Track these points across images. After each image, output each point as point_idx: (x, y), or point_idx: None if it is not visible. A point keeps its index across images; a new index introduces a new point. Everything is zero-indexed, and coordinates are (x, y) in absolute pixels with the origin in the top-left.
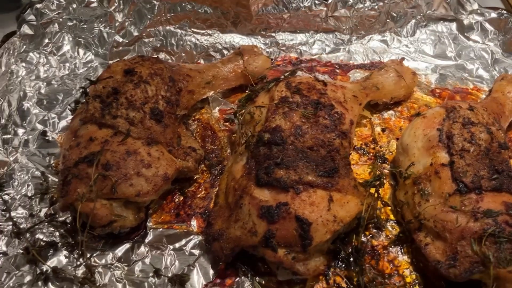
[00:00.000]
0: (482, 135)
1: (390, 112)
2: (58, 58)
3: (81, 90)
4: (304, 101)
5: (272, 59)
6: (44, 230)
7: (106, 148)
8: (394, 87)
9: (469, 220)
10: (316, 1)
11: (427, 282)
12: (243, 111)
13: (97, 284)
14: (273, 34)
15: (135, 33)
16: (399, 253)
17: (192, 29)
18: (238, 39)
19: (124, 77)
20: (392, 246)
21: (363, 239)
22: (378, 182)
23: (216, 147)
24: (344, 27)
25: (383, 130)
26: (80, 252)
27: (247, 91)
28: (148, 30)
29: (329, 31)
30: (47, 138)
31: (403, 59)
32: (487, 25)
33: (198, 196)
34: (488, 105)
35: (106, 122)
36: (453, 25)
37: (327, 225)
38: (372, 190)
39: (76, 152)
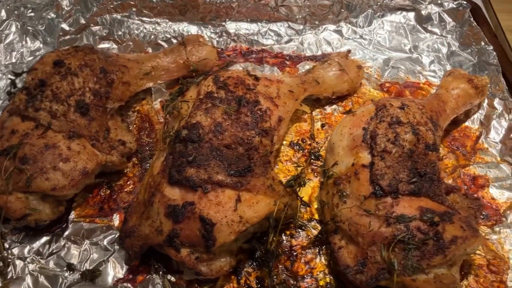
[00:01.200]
0: (407, 136)
1: (334, 106)
2: (5, 46)
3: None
4: (228, 96)
5: (222, 49)
6: None
7: (26, 142)
8: (336, 82)
9: (382, 225)
10: None
11: (341, 287)
12: (171, 104)
13: (8, 277)
14: (223, 23)
15: (82, 21)
16: (318, 254)
17: (140, 17)
18: (188, 28)
19: (52, 69)
20: (311, 247)
21: (284, 238)
22: (296, 182)
23: (151, 140)
24: (297, 17)
25: (322, 125)
26: None
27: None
28: (95, 18)
29: (281, 20)
30: None
31: (349, 51)
32: (446, 16)
33: (125, 190)
34: (428, 103)
35: (28, 114)
36: (411, 15)
37: (231, 226)
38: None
39: None
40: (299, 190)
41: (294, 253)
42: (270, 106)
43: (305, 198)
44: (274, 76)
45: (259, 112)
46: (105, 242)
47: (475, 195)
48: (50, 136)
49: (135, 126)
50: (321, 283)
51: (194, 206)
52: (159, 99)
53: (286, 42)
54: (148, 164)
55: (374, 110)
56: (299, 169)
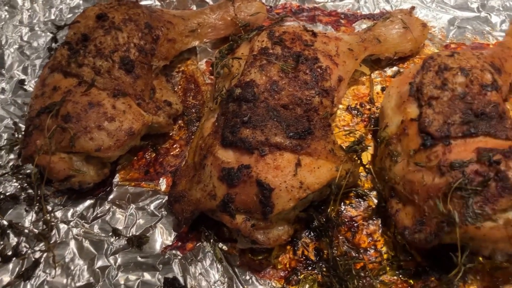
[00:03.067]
0: (458, 78)
1: (395, 68)
2: (43, 2)
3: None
4: (285, 53)
5: (270, 7)
6: (10, 183)
7: (68, 99)
8: (399, 41)
9: (435, 176)
10: None
11: (409, 261)
12: (221, 62)
13: (52, 241)
14: None
15: None
16: (381, 226)
17: None
18: None
19: (96, 23)
20: (374, 218)
21: (343, 208)
22: (359, 146)
23: (197, 102)
24: None
25: (382, 89)
26: (39, 206)
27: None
28: None
29: None
30: (24, 87)
31: (413, 8)
32: None
33: (172, 153)
34: (489, 50)
35: (71, 70)
36: None
37: (291, 192)
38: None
39: (40, 102)
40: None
41: (355, 224)
42: (330, 65)
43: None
44: (332, 33)
45: (319, 70)
46: (151, 207)
47: None
48: (94, 94)
49: (180, 87)
50: (386, 256)
51: (251, 169)
52: (205, 59)
53: (341, 0)
54: (195, 127)
55: (421, 64)
56: (358, 133)
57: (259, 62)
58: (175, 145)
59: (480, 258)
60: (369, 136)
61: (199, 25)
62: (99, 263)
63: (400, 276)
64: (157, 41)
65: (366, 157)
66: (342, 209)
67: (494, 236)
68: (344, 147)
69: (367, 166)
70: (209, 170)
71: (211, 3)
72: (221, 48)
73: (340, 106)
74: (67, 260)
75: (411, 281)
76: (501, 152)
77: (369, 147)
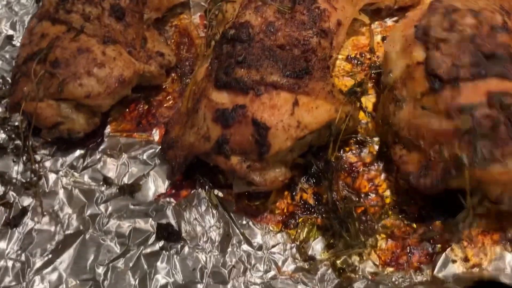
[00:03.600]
0: (467, 19)
1: (395, 19)
2: None
3: None
4: None
5: None
6: None
7: (57, 45)
8: None
9: (443, 120)
10: None
11: (412, 205)
12: (214, 7)
13: (40, 190)
14: None
15: None
16: (382, 171)
17: None
18: None
19: None
20: (374, 164)
21: (343, 154)
22: (360, 89)
23: (191, 55)
24: None
25: (383, 39)
26: (27, 157)
27: None
28: None
29: None
30: (13, 42)
31: None
32: None
33: (165, 105)
34: None
35: (59, 17)
36: None
37: (288, 131)
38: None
39: (27, 50)
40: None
41: (356, 170)
42: (328, 8)
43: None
44: None
45: (317, 10)
46: (144, 156)
47: None
48: (84, 40)
49: (173, 41)
50: (388, 200)
51: (246, 109)
52: (199, 13)
53: None
54: (189, 80)
55: (427, 7)
56: (358, 77)
57: (254, 4)
58: (168, 97)
59: (486, 203)
60: (370, 85)
61: None
62: (89, 211)
63: (403, 220)
64: None
65: (368, 105)
66: (342, 156)
67: (503, 179)
68: (344, 91)
69: (368, 111)
70: (203, 113)
71: None
72: None
73: (340, 56)
74: (55, 208)
75: (414, 225)
76: None
77: (369, 93)
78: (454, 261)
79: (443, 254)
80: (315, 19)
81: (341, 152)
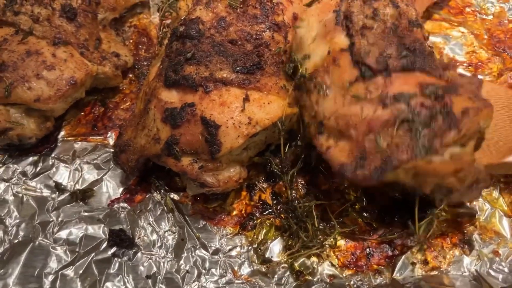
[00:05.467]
0: (387, 9)
1: None
2: None
3: None
4: None
5: None
6: None
7: (4, 48)
8: None
9: (377, 108)
10: None
11: (372, 204)
12: (166, 4)
13: None
14: None
15: None
16: None
17: None
18: None
19: None
20: None
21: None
22: None
23: (149, 55)
24: None
25: None
26: None
27: None
28: None
29: None
30: None
31: None
32: None
33: (122, 107)
34: None
35: (7, 19)
36: None
37: (239, 128)
38: None
39: None
40: None
41: (316, 168)
42: (283, 1)
43: None
44: None
45: (269, 3)
46: (98, 161)
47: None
48: (33, 42)
49: (131, 41)
50: (350, 197)
51: (195, 107)
52: (158, 13)
53: None
54: None
55: None
56: None
57: None
58: (125, 99)
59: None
60: None
61: None
62: (40, 219)
63: (363, 219)
64: None
65: None
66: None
67: (442, 171)
68: None
69: None
70: (153, 113)
71: None
72: None
73: None
74: (3, 217)
75: (374, 224)
76: (442, 87)
77: None
78: (413, 264)
79: (403, 257)
80: (268, 13)
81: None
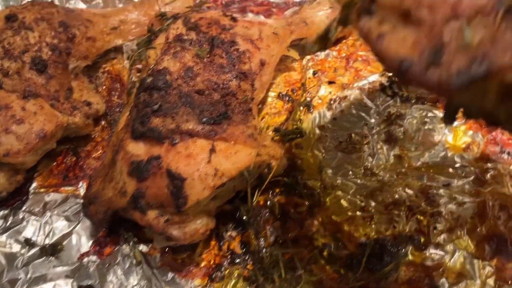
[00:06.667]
0: None
1: (327, 51)
2: None
3: None
4: (200, 38)
5: (200, 1)
6: None
7: None
8: (328, 22)
9: None
10: None
11: (341, 250)
12: (135, 54)
13: None
14: None
15: None
16: (311, 214)
17: None
18: None
19: (4, 24)
20: (305, 205)
21: (271, 196)
22: (293, 136)
23: (122, 101)
24: None
25: (314, 73)
26: None
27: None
28: None
29: None
30: None
31: None
32: None
33: (93, 156)
34: None
35: None
36: None
37: (205, 180)
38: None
39: None
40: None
41: (285, 213)
42: (250, 48)
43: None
44: (256, 18)
45: (235, 52)
46: (69, 213)
47: None
48: (2, 97)
49: (104, 87)
50: (317, 243)
51: (161, 160)
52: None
53: None
54: None
55: None
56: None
57: (173, 49)
58: (97, 147)
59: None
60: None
61: (122, 22)
62: (9, 277)
63: (331, 265)
64: (73, 40)
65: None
66: (272, 198)
67: None
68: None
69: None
70: (120, 166)
71: None
72: (139, 41)
73: (272, 93)
74: None
75: (342, 270)
76: None
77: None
78: None
79: None
80: (234, 62)
81: (270, 194)
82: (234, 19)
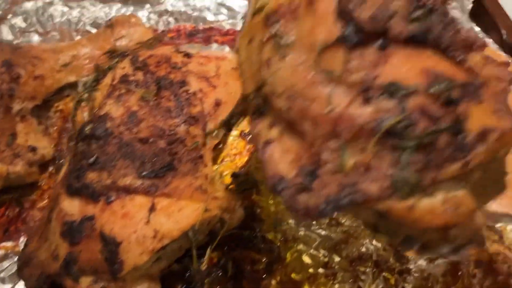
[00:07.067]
0: None
1: None
2: None
3: None
4: (148, 79)
5: (163, 31)
6: None
7: None
8: None
9: (354, 100)
10: None
11: None
12: (78, 97)
13: None
14: (161, 1)
15: None
16: (268, 272)
17: (64, 2)
18: (122, 10)
19: None
20: (263, 261)
21: (226, 251)
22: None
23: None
24: None
25: None
26: None
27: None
28: (12, 8)
29: None
30: None
31: None
32: None
33: (38, 206)
34: None
35: None
36: None
37: (143, 243)
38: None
39: None
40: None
41: (240, 272)
42: (204, 87)
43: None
44: (216, 52)
45: (185, 94)
46: (4, 274)
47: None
48: None
49: (56, 128)
50: None
51: (94, 221)
52: (86, 94)
53: (243, 17)
54: None
55: None
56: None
57: (118, 92)
58: (43, 196)
59: None
60: None
61: (74, 58)
62: None
63: None
64: (18, 80)
65: None
66: (226, 254)
67: (426, 223)
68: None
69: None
70: (54, 225)
71: None
72: (86, 81)
73: (234, 132)
74: None
75: None
76: (461, 85)
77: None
78: None
79: None
80: (183, 105)
81: (225, 249)
82: (188, 56)
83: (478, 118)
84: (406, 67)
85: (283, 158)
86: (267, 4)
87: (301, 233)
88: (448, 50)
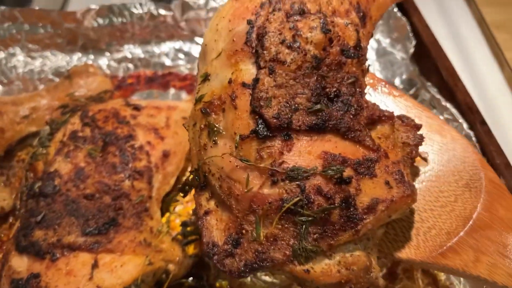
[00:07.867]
0: (313, 33)
1: None
2: None
3: None
4: (95, 134)
5: (123, 77)
6: None
7: None
8: None
9: (264, 182)
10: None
11: None
12: (31, 153)
13: None
14: (121, 48)
15: None
16: None
17: (26, 53)
18: (83, 58)
19: None
20: None
21: None
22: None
23: None
24: (203, 31)
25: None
26: None
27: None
28: None
29: (187, 38)
30: None
31: None
32: None
33: None
34: None
35: None
36: None
37: None
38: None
39: None
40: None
41: None
42: (152, 140)
43: None
44: (166, 102)
45: (130, 149)
46: None
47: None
48: None
49: (17, 178)
50: None
51: (40, 278)
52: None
53: (196, 61)
54: None
55: None
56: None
57: (67, 148)
58: (2, 247)
59: None
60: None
61: (33, 110)
62: None
63: None
64: None
65: None
66: None
67: (323, 281)
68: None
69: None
70: (3, 282)
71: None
72: (41, 135)
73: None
74: None
75: None
76: (353, 165)
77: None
78: None
79: None
80: (128, 160)
81: None
82: (137, 108)
83: (369, 191)
84: (307, 152)
85: (217, 226)
86: (205, 95)
87: (248, 279)
88: (349, 132)
